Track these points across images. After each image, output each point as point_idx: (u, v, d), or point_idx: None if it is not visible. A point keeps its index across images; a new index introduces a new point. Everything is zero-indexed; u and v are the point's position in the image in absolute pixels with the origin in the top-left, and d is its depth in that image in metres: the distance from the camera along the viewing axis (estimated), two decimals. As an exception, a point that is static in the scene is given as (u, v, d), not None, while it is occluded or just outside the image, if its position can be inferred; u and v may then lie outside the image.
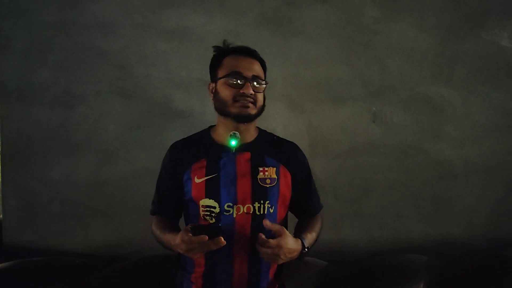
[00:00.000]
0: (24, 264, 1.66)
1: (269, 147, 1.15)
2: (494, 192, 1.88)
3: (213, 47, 1.16)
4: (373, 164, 1.87)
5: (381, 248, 1.85)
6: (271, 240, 0.98)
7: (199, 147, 1.15)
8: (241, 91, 1.07)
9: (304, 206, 1.20)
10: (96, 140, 1.87)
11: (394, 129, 1.89)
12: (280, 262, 1.01)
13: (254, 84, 1.09)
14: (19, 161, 1.87)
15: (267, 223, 1.01)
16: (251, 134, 1.15)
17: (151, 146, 1.85)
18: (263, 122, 1.81)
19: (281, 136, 1.24)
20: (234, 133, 1.09)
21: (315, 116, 1.89)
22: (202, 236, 0.94)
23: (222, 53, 1.14)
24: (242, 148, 1.12)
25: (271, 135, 1.22)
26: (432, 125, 1.89)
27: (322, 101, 1.90)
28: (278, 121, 1.88)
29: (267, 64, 1.86)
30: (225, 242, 0.95)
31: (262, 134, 1.20)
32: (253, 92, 1.08)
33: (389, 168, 1.88)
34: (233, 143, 1.09)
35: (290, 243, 1.01)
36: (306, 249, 1.06)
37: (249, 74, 1.09)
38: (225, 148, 1.11)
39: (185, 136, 1.22)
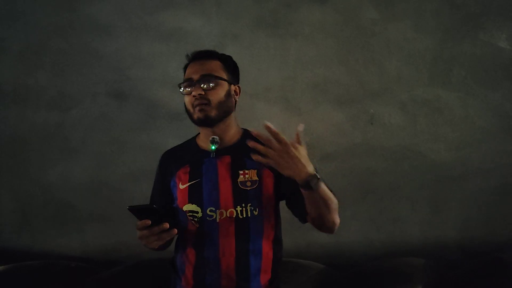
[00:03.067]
0: (20, 267, 1.65)
1: (251, 149, 1.14)
2: (492, 194, 1.87)
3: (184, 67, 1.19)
4: (371, 166, 1.87)
5: (379, 251, 1.84)
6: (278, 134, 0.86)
7: (185, 154, 1.16)
8: (192, 96, 1.07)
9: (303, 200, 1.12)
10: (92, 143, 1.87)
11: (391, 131, 1.88)
12: (286, 169, 0.88)
13: (202, 85, 1.07)
14: (14, 164, 1.86)
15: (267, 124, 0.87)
16: (232, 137, 1.14)
17: (147, 149, 1.84)
18: (260, 124, 1.81)
19: None
20: (213, 138, 1.10)
21: (313, 118, 1.88)
22: (144, 220, 0.92)
23: (186, 65, 1.16)
24: (223, 151, 1.12)
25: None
26: (430, 127, 1.89)
27: (319, 103, 1.89)
28: (275, 123, 1.84)
29: (264, 66, 1.87)
30: (175, 231, 0.94)
31: (246, 135, 1.17)
32: (202, 93, 1.06)
33: (387, 170, 1.87)
34: (213, 147, 1.09)
35: (303, 152, 0.89)
36: (317, 178, 0.92)
37: (196, 76, 1.09)
38: (208, 153, 1.11)
39: (179, 142, 1.23)
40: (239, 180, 1.09)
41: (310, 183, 0.94)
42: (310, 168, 0.93)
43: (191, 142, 1.19)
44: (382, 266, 1.68)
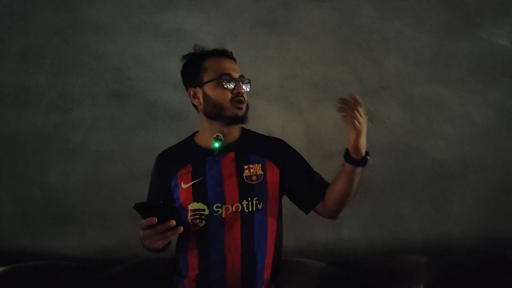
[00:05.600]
0: (20, 268, 1.64)
1: (254, 145, 1.16)
2: (493, 191, 1.87)
3: (184, 56, 1.18)
4: (371, 164, 1.84)
5: (380, 249, 1.84)
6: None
7: (184, 154, 1.17)
8: (235, 92, 1.09)
9: (311, 190, 1.15)
10: (92, 143, 1.86)
11: (391, 128, 1.88)
12: (358, 128, 0.99)
13: (243, 84, 1.12)
14: (15, 165, 1.86)
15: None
16: (234, 135, 1.17)
17: (148, 149, 1.83)
18: (260, 123, 1.82)
19: (279, 137, 1.25)
20: (217, 135, 1.11)
21: (312, 117, 1.88)
22: (150, 218, 0.90)
23: (199, 58, 1.16)
24: (226, 149, 1.13)
25: (255, 133, 1.23)
26: (430, 124, 1.89)
27: (319, 101, 1.89)
28: (275, 122, 1.88)
29: (263, 65, 1.87)
30: (181, 229, 0.92)
31: (246, 133, 1.21)
32: (244, 91, 1.12)
33: (387, 168, 1.87)
34: (216, 145, 1.11)
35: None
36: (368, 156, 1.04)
37: (236, 74, 1.12)
38: (210, 152, 1.13)
39: (176, 142, 1.24)
40: (244, 174, 1.10)
41: (368, 156, 1.04)
42: (364, 145, 1.03)
43: (190, 142, 1.19)
44: (384, 264, 1.67)
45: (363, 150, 1.03)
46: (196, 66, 1.15)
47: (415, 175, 1.87)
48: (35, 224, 1.85)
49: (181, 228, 0.94)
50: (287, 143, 1.21)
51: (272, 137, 1.23)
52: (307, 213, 1.18)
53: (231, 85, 1.10)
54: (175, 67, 1.85)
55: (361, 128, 0.99)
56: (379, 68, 1.89)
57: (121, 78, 1.88)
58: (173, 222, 0.91)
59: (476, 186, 1.87)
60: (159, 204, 0.94)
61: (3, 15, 1.87)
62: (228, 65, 1.13)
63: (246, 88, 1.13)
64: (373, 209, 1.87)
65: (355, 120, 0.98)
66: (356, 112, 0.97)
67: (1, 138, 1.86)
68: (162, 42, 1.88)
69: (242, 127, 1.21)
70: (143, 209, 0.91)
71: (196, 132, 1.21)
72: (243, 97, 1.11)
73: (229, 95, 1.09)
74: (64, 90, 1.87)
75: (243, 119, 1.12)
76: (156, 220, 0.90)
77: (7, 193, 1.85)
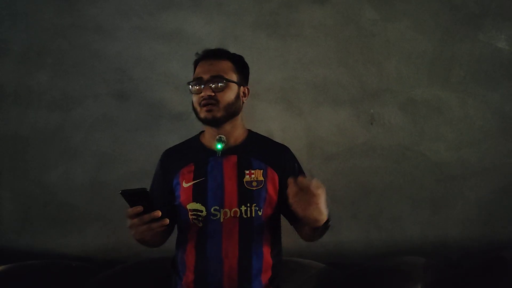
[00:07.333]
0: (21, 267, 1.65)
1: (257, 149, 1.14)
2: (492, 194, 1.88)
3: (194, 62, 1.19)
4: (371, 166, 1.87)
5: (379, 250, 1.85)
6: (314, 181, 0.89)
7: (189, 152, 1.16)
8: (200, 95, 1.08)
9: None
10: (93, 143, 1.87)
11: (391, 131, 1.89)
12: (313, 212, 0.91)
13: (211, 85, 1.08)
14: (16, 164, 1.86)
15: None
16: (238, 137, 1.15)
17: (148, 149, 1.84)
18: (261, 125, 1.83)
19: (280, 138, 1.24)
20: (220, 137, 1.10)
21: (313, 118, 1.89)
22: (136, 206, 0.88)
23: (195, 64, 1.16)
24: (229, 151, 1.12)
25: (262, 137, 1.21)
26: (430, 127, 1.90)
27: (320, 103, 1.90)
28: (276, 123, 1.88)
29: (265, 67, 1.88)
30: (167, 221, 0.91)
31: (251, 136, 1.19)
32: (212, 94, 1.07)
33: (387, 170, 1.88)
34: (219, 146, 1.09)
35: (323, 197, 0.92)
36: (329, 223, 0.99)
37: (206, 76, 1.09)
38: (213, 152, 1.12)
39: (178, 142, 1.23)
40: (245, 180, 1.09)
41: (321, 227, 0.98)
42: (325, 215, 0.95)
43: (195, 141, 1.19)
44: (383, 265, 1.69)
45: (318, 223, 0.95)
46: (194, 69, 1.17)
47: (414, 177, 1.88)
48: (36, 223, 1.85)
49: (167, 220, 0.93)
50: (290, 153, 1.19)
51: (278, 143, 1.21)
52: (290, 224, 1.18)
53: (196, 89, 1.09)
54: (177, 67, 1.88)
55: (310, 203, 0.91)
56: (380, 71, 1.90)
57: (122, 78, 1.88)
58: (159, 213, 0.90)
59: (475, 188, 1.88)
60: (145, 190, 0.89)
61: (5, 14, 1.88)
62: (203, 68, 1.10)
63: (218, 88, 1.07)
64: (372, 211, 1.88)
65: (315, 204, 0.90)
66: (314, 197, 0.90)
67: (2, 138, 1.86)
68: (163, 42, 1.88)
69: (249, 130, 1.21)
70: (130, 197, 0.88)
71: (203, 131, 1.20)
72: (211, 99, 1.06)
73: (199, 99, 1.08)
74: (65, 89, 1.88)
75: (212, 121, 1.08)
76: (142, 209, 0.88)
77: (8, 192, 1.86)
